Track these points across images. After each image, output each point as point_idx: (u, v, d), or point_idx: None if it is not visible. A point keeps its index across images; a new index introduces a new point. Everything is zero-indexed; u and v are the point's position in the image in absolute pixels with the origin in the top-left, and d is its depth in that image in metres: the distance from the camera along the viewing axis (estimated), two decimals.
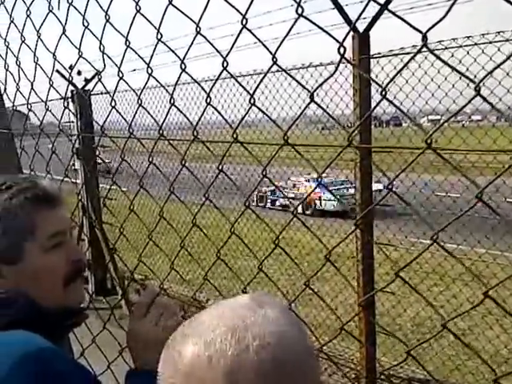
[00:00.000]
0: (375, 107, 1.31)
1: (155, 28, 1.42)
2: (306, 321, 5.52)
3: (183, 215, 5.40)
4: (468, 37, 4.06)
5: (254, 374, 0.57)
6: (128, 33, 1.50)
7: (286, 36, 1.23)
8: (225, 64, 1.33)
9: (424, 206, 5.38)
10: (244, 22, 1.23)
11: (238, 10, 1.22)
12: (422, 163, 4.69)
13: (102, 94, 7.43)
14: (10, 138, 2.34)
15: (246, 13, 1.22)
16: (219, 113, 1.57)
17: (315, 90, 1.22)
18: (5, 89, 2.33)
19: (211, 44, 1.40)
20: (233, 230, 1.46)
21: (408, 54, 4.26)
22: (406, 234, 5.30)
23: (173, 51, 1.48)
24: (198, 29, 1.34)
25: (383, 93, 1.10)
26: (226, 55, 1.33)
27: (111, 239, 7.51)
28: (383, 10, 3.56)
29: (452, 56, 4.06)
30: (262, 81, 1.48)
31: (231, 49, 1.32)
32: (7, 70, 2.15)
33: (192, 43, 1.41)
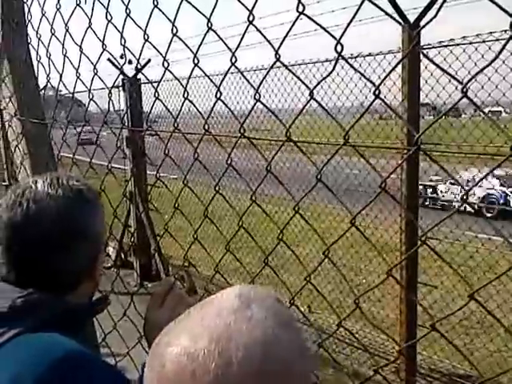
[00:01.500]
0: (368, 107, 1.29)
1: (171, 22, 1.42)
2: (347, 311, 5.52)
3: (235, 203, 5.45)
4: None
5: None
6: (144, 25, 1.52)
7: (287, 34, 1.21)
8: (233, 60, 1.32)
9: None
10: (251, 18, 1.22)
11: (245, 6, 1.22)
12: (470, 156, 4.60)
13: (151, 82, 7.56)
14: (44, 127, 2.41)
15: (253, 9, 1.21)
16: (229, 109, 1.58)
17: (314, 88, 1.20)
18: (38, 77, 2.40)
19: (222, 40, 1.38)
20: (241, 224, 1.44)
21: (458, 45, 4.17)
22: (450, 228, 5.20)
23: (187, 46, 1.48)
24: (210, 24, 1.33)
25: (376, 92, 1.08)
26: (234, 51, 1.32)
27: (157, 226, 7.65)
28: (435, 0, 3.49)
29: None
30: (265, 77, 1.47)
31: (238, 45, 1.33)
32: (58, 57, 2.20)
33: (203, 39, 1.41)
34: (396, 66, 1.31)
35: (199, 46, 1.45)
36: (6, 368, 0.91)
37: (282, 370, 0.57)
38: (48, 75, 2.18)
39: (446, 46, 4.30)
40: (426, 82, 4.39)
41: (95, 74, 1.84)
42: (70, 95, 2.23)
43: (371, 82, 1.18)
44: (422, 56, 4.11)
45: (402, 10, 4.04)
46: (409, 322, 4.16)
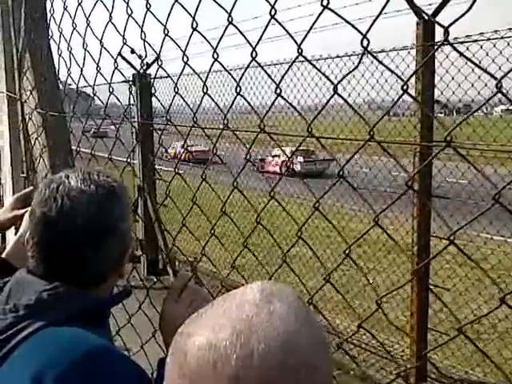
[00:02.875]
0: (396, 102, 1.27)
1: (191, 16, 1.41)
2: (358, 312, 5.48)
3: (240, 199, 5.41)
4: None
5: (258, 380, 0.55)
6: (167, 21, 1.51)
7: (310, 28, 1.20)
8: (254, 54, 1.30)
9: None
10: (273, 12, 1.20)
11: (267, 1, 1.19)
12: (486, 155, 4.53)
13: (162, 77, 7.55)
14: (63, 120, 2.41)
15: (275, 3, 1.19)
16: (249, 103, 1.57)
17: (339, 83, 1.20)
18: (58, 71, 2.39)
19: (242, 34, 1.37)
20: (259, 220, 1.44)
21: (475, 41, 4.10)
22: (464, 228, 5.10)
23: (207, 40, 1.46)
24: (230, 19, 1.32)
25: (405, 87, 1.07)
26: (255, 45, 1.30)
27: (164, 220, 7.65)
28: None
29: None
30: (286, 72, 1.46)
31: (260, 39, 1.30)
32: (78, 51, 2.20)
33: (224, 33, 1.40)
34: (424, 62, 1.26)
35: (219, 41, 1.44)
36: (30, 362, 0.91)
37: (302, 365, 0.57)
38: (69, 69, 2.18)
39: (461, 42, 4.23)
40: (441, 78, 4.32)
41: (116, 68, 1.87)
42: (77, 88, 2.23)
43: (399, 77, 1.15)
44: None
45: (416, 5, 3.98)
46: (420, 325, 4.10)
